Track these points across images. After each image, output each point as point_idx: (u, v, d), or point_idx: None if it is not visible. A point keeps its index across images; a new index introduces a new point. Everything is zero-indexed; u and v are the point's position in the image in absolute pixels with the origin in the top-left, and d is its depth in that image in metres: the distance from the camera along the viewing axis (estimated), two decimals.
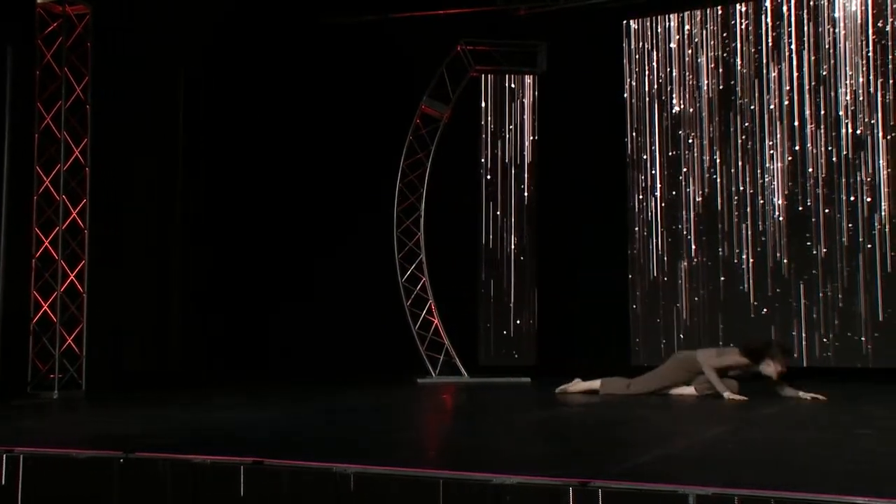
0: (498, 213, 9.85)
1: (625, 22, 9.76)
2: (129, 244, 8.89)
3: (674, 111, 9.45)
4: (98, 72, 8.10)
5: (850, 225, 8.59)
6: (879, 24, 8.62)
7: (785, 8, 9.02)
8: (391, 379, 9.12)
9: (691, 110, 9.37)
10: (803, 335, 8.66)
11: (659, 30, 9.58)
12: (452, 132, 9.63)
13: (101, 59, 8.15)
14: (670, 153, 9.43)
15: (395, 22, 9.98)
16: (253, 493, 3.78)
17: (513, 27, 9.78)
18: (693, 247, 9.32)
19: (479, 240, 9.83)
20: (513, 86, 9.87)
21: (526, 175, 9.87)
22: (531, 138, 9.87)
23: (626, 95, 9.67)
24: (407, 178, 9.51)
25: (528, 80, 9.89)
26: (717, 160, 9.23)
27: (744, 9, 9.19)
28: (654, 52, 9.60)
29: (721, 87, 9.29)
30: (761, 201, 9.01)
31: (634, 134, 9.62)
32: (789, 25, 8.99)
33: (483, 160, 9.89)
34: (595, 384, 7.46)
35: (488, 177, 9.81)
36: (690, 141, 9.36)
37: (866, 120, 8.60)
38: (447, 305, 9.46)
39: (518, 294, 9.74)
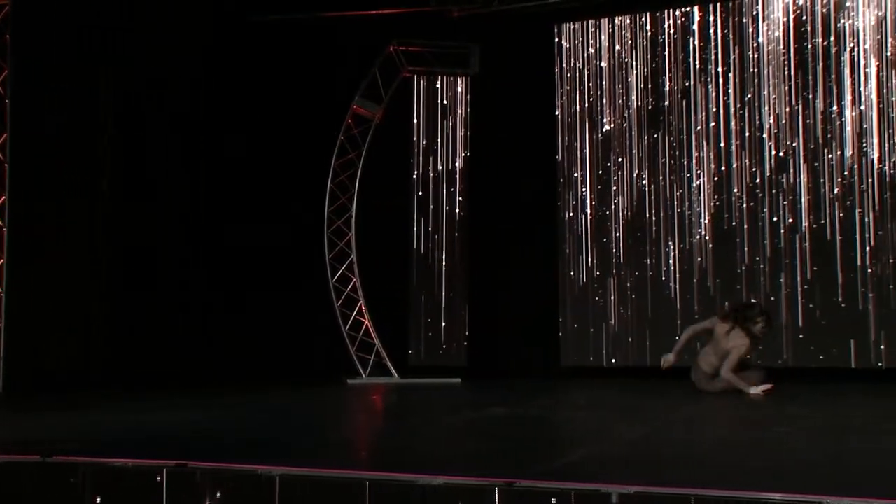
0: (430, 213, 9.84)
1: (556, 41, 9.82)
2: (51, 242, 8.67)
3: (604, 129, 9.57)
4: (20, 66, 7.89)
5: (775, 241, 8.83)
6: (801, 49, 8.85)
7: (711, 31, 9.22)
8: (321, 380, 9.07)
9: (621, 127, 9.49)
10: None
11: (590, 50, 9.70)
12: (385, 133, 9.61)
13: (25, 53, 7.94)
14: (600, 171, 9.55)
15: (326, 21, 9.91)
16: (175, 496, 3.72)
17: (446, 29, 9.80)
18: (622, 261, 9.44)
19: (410, 241, 9.82)
20: (445, 101, 9.85)
21: (457, 181, 9.89)
22: (463, 154, 9.87)
23: (557, 113, 9.76)
24: (338, 178, 9.46)
25: (461, 89, 9.88)
26: (646, 178, 9.37)
27: (672, 31, 9.36)
28: (585, 71, 9.70)
29: (650, 106, 9.44)
30: (688, 220, 9.19)
31: (566, 152, 9.71)
32: (716, 48, 9.17)
33: (415, 175, 9.85)
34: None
35: (420, 192, 9.79)
36: (620, 159, 9.50)
37: (788, 142, 8.85)
38: (378, 306, 9.43)
39: (448, 295, 9.76)
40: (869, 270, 8.47)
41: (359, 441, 5.50)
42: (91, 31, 8.97)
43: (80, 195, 8.98)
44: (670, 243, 9.22)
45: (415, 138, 9.90)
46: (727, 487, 3.35)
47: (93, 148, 9.11)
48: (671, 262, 9.24)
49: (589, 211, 9.61)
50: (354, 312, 9.31)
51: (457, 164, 9.87)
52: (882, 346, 8.41)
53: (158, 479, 3.74)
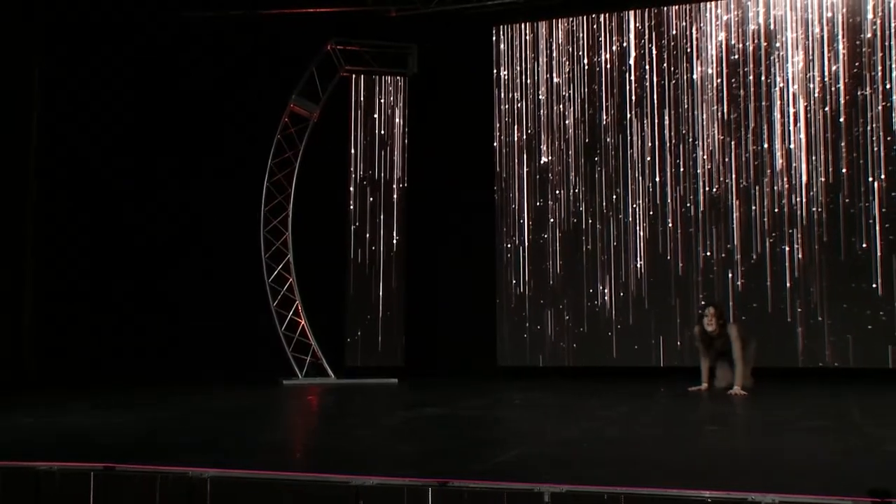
0: (367, 213, 9.80)
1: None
2: None
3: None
4: None
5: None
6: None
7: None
8: (256, 380, 8.96)
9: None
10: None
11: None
12: (322, 132, 9.55)
13: None
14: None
15: (264, 18, 9.81)
16: (103, 500, 3.65)
17: (385, 29, 9.78)
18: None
19: (347, 241, 9.76)
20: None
21: (395, 181, 9.87)
22: (401, 155, 9.83)
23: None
24: (275, 177, 9.37)
25: (399, 90, 9.85)
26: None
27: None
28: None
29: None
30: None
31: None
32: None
33: (352, 174, 9.78)
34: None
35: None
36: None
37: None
38: (314, 306, 9.37)
39: (386, 296, 9.74)
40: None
41: (292, 442, 5.46)
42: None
43: (8, 197, 8.77)
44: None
45: (352, 138, 9.84)
46: (657, 485, 3.40)
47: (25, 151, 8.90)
48: (608, 275, 9.37)
49: (526, 214, 9.69)
50: (290, 313, 9.23)
51: (395, 165, 9.84)
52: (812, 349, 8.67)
53: (86, 482, 3.67)
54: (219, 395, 7.95)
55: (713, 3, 9.17)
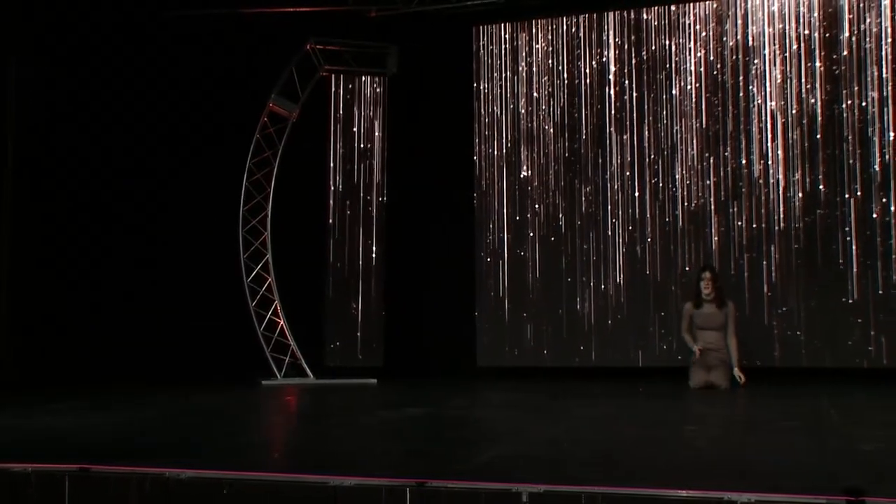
0: (347, 212, 9.76)
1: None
2: None
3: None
4: None
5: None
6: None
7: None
8: (235, 381, 8.93)
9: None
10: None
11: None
12: (302, 132, 9.52)
13: None
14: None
15: (244, 18, 9.77)
16: (79, 502, 3.62)
17: (365, 29, 9.76)
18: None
19: (326, 241, 9.73)
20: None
21: (375, 179, 9.83)
22: (381, 154, 9.80)
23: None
24: (254, 176, 9.33)
25: (379, 90, 9.82)
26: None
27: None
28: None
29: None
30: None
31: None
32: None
33: (332, 173, 9.72)
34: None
35: (338, 191, 9.68)
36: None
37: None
38: (293, 306, 9.33)
39: (365, 295, 9.71)
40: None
41: (271, 442, 5.45)
42: None
43: None
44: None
45: (332, 138, 9.80)
46: (635, 485, 3.42)
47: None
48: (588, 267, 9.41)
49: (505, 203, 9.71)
50: (269, 313, 9.19)
51: (374, 166, 9.81)
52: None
53: (61, 484, 3.64)
54: (197, 395, 7.92)
55: (692, 16, 9.20)
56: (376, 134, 9.78)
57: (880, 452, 4.38)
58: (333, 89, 9.75)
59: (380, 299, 9.64)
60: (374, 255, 9.68)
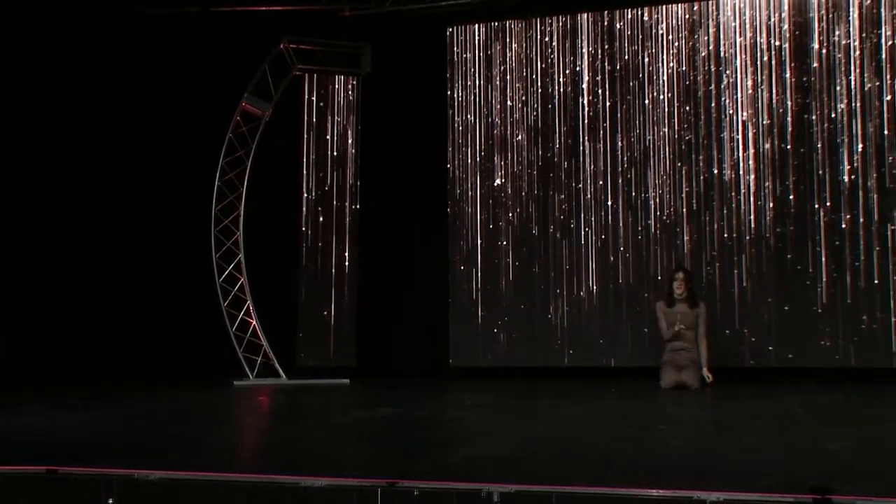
0: (321, 213, 9.73)
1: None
2: None
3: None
4: None
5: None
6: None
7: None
8: (207, 381, 8.88)
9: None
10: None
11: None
12: (275, 131, 9.48)
13: None
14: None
15: (217, 16, 9.71)
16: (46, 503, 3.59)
17: (339, 28, 9.73)
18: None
19: (299, 241, 9.69)
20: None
21: (348, 180, 9.80)
22: (354, 151, 9.78)
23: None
24: (226, 175, 9.28)
25: (352, 90, 9.79)
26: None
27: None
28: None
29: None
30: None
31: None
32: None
33: (305, 173, 9.67)
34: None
35: (310, 192, 9.63)
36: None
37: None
38: (266, 306, 9.29)
39: (338, 296, 9.68)
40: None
41: (242, 443, 5.42)
42: None
43: None
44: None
45: (305, 137, 9.76)
46: (606, 485, 3.44)
47: None
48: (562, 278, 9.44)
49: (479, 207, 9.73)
50: (242, 313, 9.15)
51: (348, 164, 9.78)
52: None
53: (29, 486, 3.60)
54: (168, 395, 7.87)
55: (664, 26, 9.25)
56: (349, 140, 9.74)
57: (846, 451, 4.43)
58: (307, 96, 9.69)
59: (353, 299, 9.62)
60: (346, 256, 9.65)
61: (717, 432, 5.52)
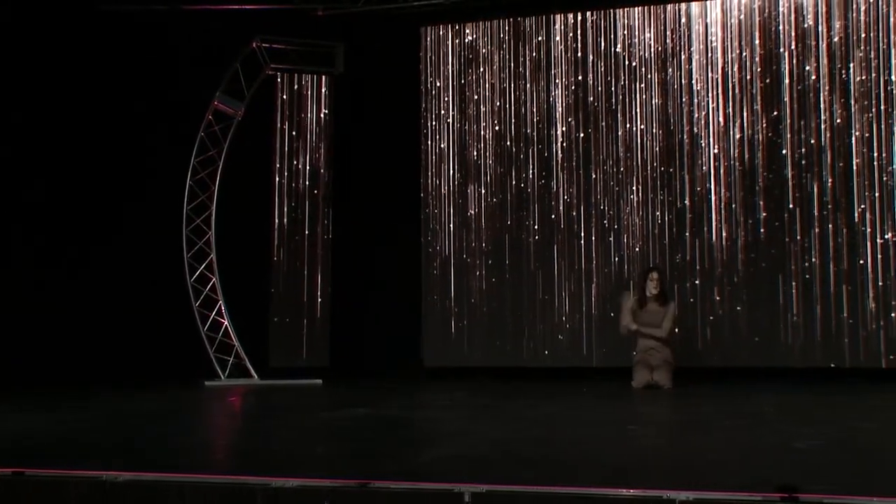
0: (293, 212, 9.68)
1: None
2: None
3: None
4: None
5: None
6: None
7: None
8: (178, 382, 8.81)
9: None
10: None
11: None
12: (248, 131, 9.43)
13: None
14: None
15: (188, 14, 9.63)
16: None
17: (312, 27, 9.69)
18: (484, 249, 9.60)
19: (271, 241, 9.64)
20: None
21: (320, 182, 9.76)
22: (325, 156, 9.72)
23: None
24: (198, 175, 9.22)
25: (325, 89, 9.75)
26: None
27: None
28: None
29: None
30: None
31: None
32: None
33: (276, 174, 9.61)
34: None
35: (283, 193, 9.57)
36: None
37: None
38: (238, 306, 9.24)
39: (311, 296, 9.64)
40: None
41: (212, 444, 5.39)
42: None
43: None
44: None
45: (277, 137, 9.71)
46: (578, 485, 3.45)
47: None
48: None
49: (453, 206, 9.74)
50: (213, 313, 9.09)
51: (320, 167, 9.73)
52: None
53: None
54: (138, 396, 7.80)
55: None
56: (323, 126, 9.70)
57: (813, 450, 4.48)
58: (280, 87, 9.65)
59: (326, 299, 9.58)
60: (319, 255, 9.62)
61: (686, 432, 5.55)
